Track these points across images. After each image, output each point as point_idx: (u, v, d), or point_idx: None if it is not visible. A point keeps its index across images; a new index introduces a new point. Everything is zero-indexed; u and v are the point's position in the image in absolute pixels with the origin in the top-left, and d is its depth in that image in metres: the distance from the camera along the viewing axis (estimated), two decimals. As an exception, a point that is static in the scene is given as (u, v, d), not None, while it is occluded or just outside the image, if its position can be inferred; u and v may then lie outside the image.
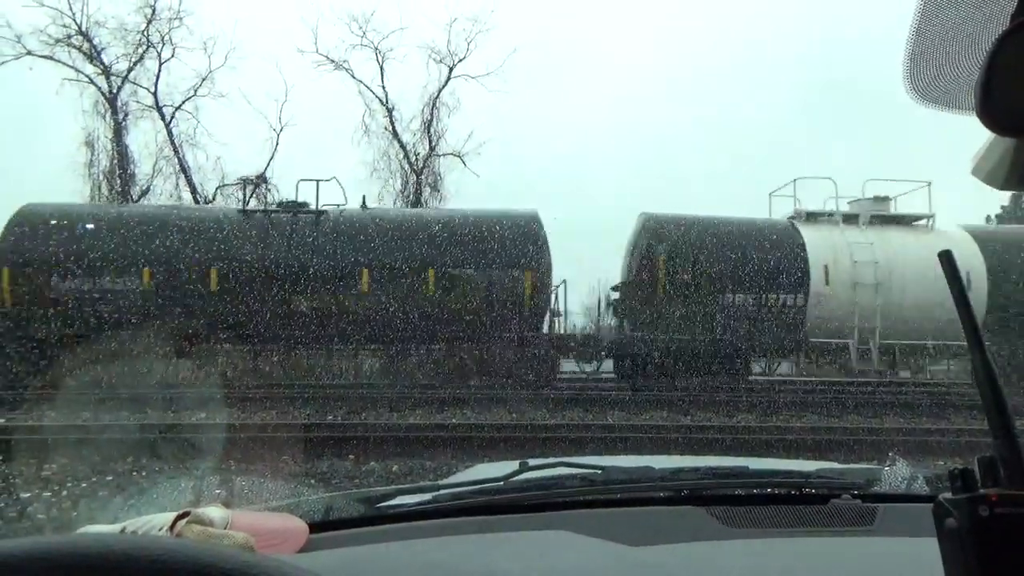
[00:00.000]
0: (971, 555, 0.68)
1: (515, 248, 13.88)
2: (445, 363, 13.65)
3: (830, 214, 15.35)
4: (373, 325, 13.02)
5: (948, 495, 0.72)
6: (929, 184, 15.25)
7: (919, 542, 0.87)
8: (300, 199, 14.36)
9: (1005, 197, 30.23)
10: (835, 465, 1.70)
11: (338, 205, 14.31)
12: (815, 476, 1.45)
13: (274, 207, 14.93)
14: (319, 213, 14.04)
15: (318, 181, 14.02)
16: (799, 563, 1.12)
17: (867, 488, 1.37)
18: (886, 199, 15.53)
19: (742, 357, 13.95)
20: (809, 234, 14.56)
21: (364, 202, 14.86)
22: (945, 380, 16.04)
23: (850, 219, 15.17)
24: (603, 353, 14.79)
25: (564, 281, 14.94)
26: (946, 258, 0.80)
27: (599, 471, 1.42)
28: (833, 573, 1.09)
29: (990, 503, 0.68)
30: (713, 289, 13.76)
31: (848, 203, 15.51)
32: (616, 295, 15.87)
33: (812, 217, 15.39)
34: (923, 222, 15.31)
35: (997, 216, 29.87)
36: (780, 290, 13.90)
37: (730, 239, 14.23)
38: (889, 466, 1.47)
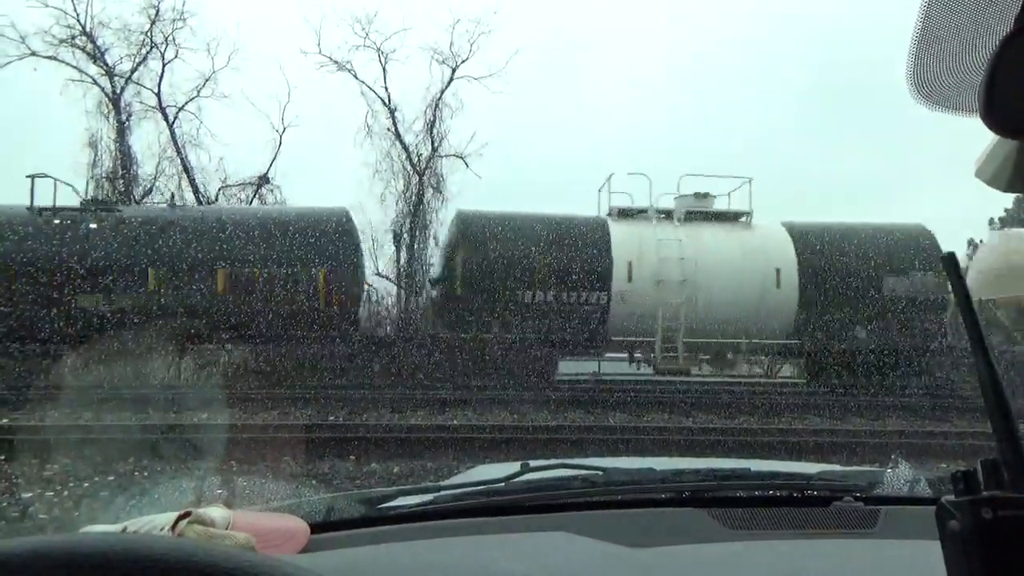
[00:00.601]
0: (974, 558, 0.68)
1: (316, 246, 13.53)
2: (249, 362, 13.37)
3: (644, 210, 15.04)
4: (160, 324, 12.63)
5: (951, 497, 0.72)
6: (750, 180, 15.04)
7: (922, 545, 0.87)
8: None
9: (1009, 200, 30.14)
10: (837, 467, 1.69)
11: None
12: (817, 478, 1.44)
13: (73, 207, 14.32)
14: (105, 210, 13.68)
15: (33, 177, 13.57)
16: (801, 565, 1.12)
17: (870, 490, 1.37)
18: (707, 196, 15.17)
19: (544, 355, 13.51)
20: (618, 231, 14.30)
21: (172, 200, 14.58)
22: (761, 379, 15.82)
23: (668, 216, 14.92)
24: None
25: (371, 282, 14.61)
26: (949, 261, 0.80)
27: (600, 472, 1.42)
28: None
29: (993, 506, 0.68)
30: (514, 286, 13.52)
31: (675, 199, 15.17)
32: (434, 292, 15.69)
33: (626, 214, 15.12)
34: (743, 219, 15.01)
35: (1000, 219, 29.80)
36: (582, 288, 13.68)
37: (536, 236, 13.96)
38: (892, 468, 1.46)
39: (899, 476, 1.43)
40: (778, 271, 13.75)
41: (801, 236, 14.52)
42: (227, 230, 13.64)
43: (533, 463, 1.48)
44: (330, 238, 13.79)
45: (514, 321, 13.47)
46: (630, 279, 13.84)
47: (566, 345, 13.80)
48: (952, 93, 0.68)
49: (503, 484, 1.37)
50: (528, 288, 13.60)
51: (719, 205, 15.47)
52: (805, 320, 13.78)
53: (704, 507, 1.28)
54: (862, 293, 13.92)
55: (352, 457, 7.44)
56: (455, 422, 9.79)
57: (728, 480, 1.46)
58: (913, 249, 14.30)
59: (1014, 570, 0.67)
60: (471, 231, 14.25)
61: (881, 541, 1.19)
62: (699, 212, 15.03)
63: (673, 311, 13.67)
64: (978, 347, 0.76)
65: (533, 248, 13.79)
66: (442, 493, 1.37)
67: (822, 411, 11.23)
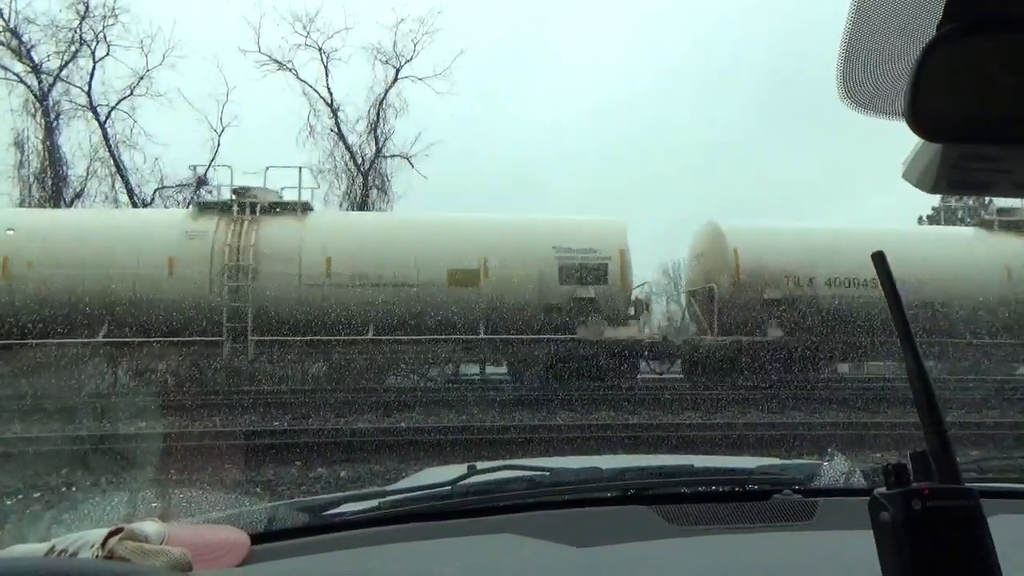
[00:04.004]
0: (905, 547, 0.70)
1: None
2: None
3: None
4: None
5: (883, 490, 0.74)
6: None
7: (857, 535, 0.90)
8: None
9: (936, 199, 31.47)
10: (777, 461, 1.74)
11: None
12: (757, 472, 1.48)
13: None
14: None
15: None
16: (743, 558, 1.14)
17: (807, 483, 1.41)
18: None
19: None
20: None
21: None
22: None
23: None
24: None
25: None
26: (879, 259, 0.83)
27: (546, 473, 1.42)
28: (775, 567, 1.11)
29: (922, 497, 0.71)
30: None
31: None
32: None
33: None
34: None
35: (929, 217, 31.05)
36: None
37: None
38: (828, 461, 1.51)
39: (835, 469, 1.47)
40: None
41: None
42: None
43: (480, 465, 1.47)
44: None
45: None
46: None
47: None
48: (879, 98, 0.70)
49: (450, 487, 1.36)
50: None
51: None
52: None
53: (648, 504, 1.30)
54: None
55: (298, 463, 7.31)
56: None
57: (671, 477, 1.48)
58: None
59: (942, 559, 0.69)
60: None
61: (818, 532, 1.23)
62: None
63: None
64: (906, 342, 0.79)
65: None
66: (387, 499, 1.35)
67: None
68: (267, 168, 14.68)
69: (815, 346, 13.47)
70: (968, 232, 15.53)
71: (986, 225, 15.34)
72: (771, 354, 13.33)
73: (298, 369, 13.86)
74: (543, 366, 13.28)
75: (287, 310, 12.96)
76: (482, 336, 13.05)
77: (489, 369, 15.52)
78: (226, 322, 12.80)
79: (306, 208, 14.46)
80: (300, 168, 14.84)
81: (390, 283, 12.94)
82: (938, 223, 23.50)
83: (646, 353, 14.41)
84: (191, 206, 14.43)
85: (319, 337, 12.76)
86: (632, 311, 14.16)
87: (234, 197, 13.99)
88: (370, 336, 12.77)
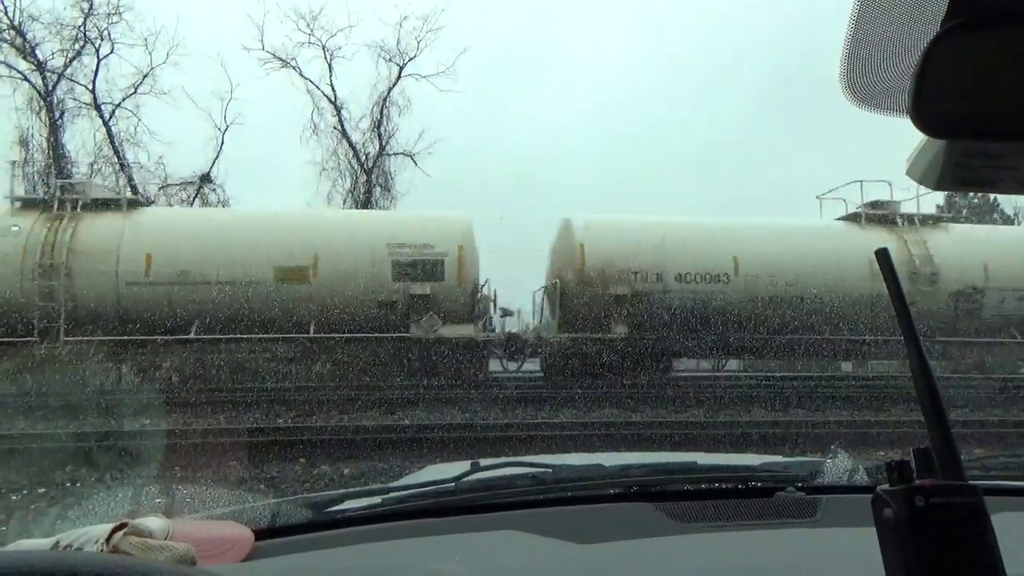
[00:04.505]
0: (908, 544, 0.70)
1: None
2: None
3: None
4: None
5: (886, 486, 0.74)
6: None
7: (860, 532, 0.90)
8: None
9: (940, 196, 31.34)
10: (780, 458, 1.74)
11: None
12: (761, 470, 1.48)
13: None
14: None
15: None
16: (746, 555, 1.14)
17: (810, 480, 1.41)
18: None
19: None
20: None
21: None
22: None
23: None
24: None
25: None
26: (882, 255, 0.83)
27: (549, 470, 1.42)
28: (777, 564, 1.12)
29: (925, 493, 0.71)
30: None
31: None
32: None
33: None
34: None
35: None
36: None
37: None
38: (831, 458, 1.51)
39: (838, 466, 1.47)
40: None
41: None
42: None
43: (483, 462, 1.47)
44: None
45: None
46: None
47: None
48: (883, 95, 0.69)
49: (452, 484, 1.36)
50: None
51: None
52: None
53: (651, 501, 1.30)
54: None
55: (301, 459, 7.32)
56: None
57: (674, 474, 1.48)
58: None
59: (946, 555, 0.69)
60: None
61: (821, 529, 1.23)
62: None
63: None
64: (910, 340, 0.79)
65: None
66: (391, 495, 1.35)
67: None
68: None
69: (659, 342, 13.00)
70: (838, 226, 14.87)
71: (854, 219, 14.83)
72: (613, 351, 12.80)
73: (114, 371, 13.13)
74: (373, 364, 12.67)
75: (106, 310, 12.50)
76: (312, 335, 12.56)
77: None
78: (37, 323, 12.27)
79: (135, 204, 14.03)
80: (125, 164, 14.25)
81: (215, 281, 12.48)
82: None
83: (500, 351, 14.04)
84: (9, 201, 13.82)
85: (136, 337, 12.28)
86: (479, 309, 13.64)
87: (57, 193, 13.56)
88: (192, 335, 12.31)
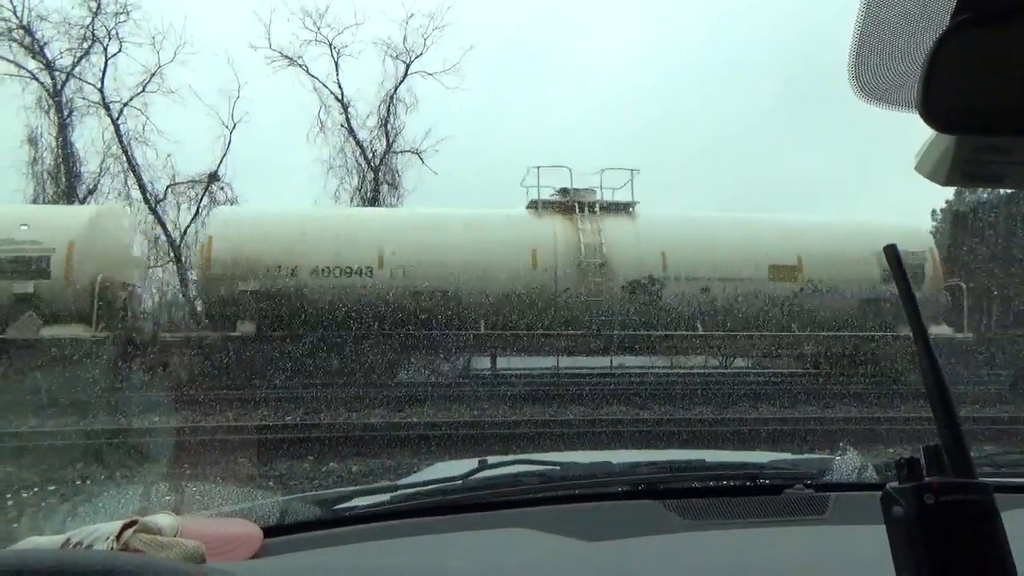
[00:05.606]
0: (917, 541, 0.69)
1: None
2: None
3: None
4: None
5: (895, 484, 0.74)
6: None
7: (869, 529, 0.90)
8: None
9: (950, 192, 31.14)
10: (788, 456, 1.73)
11: None
12: (769, 467, 1.47)
13: None
14: None
15: None
16: (754, 552, 1.14)
17: (819, 478, 1.40)
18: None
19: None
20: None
21: None
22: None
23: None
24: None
25: None
26: (891, 252, 0.82)
27: (557, 467, 1.42)
28: (786, 562, 1.11)
29: (935, 491, 0.70)
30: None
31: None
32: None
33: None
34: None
35: (942, 210, 30.77)
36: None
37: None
38: (840, 456, 1.50)
39: (847, 463, 1.46)
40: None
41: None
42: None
43: (491, 459, 1.47)
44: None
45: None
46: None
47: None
48: (891, 90, 0.69)
49: (460, 482, 1.36)
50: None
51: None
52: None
53: (659, 499, 1.30)
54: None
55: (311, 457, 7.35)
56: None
57: (683, 472, 1.47)
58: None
59: (955, 553, 0.69)
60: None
61: (830, 527, 1.22)
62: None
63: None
64: (920, 337, 0.78)
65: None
66: (399, 493, 1.35)
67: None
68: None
69: (287, 339, 12.19)
70: (517, 215, 13.75)
71: (534, 207, 13.86)
72: (240, 350, 12.13)
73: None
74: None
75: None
76: None
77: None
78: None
79: None
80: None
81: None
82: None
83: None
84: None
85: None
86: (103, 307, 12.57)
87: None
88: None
